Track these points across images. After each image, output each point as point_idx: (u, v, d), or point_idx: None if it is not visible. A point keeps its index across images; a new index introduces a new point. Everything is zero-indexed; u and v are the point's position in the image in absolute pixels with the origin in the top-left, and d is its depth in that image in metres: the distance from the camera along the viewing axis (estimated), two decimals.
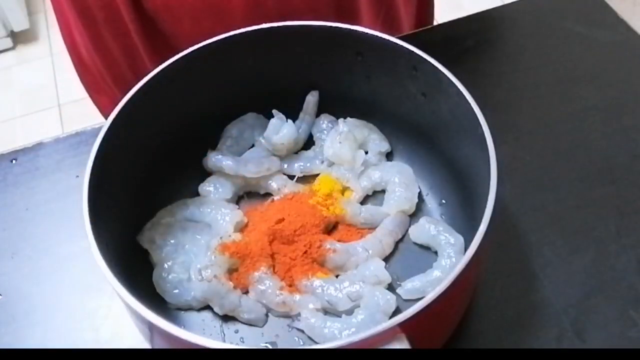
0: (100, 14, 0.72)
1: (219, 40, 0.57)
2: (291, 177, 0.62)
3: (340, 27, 0.57)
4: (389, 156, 0.64)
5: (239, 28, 0.58)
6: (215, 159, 0.60)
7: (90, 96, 0.88)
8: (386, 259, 0.57)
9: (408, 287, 0.54)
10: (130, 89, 0.54)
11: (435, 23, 0.89)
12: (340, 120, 0.63)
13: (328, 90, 0.64)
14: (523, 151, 0.65)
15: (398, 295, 0.53)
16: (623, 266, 0.56)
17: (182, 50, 0.56)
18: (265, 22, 0.58)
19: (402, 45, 0.55)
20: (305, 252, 0.55)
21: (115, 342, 0.55)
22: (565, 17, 0.77)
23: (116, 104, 0.53)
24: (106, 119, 0.52)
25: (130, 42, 0.74)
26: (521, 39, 0.77)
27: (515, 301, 0.55)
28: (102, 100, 0.87)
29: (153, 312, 0.41)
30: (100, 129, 0.51)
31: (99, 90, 0.85)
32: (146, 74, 0.55)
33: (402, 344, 0.40)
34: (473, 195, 0.52)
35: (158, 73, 0.55)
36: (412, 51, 0.54)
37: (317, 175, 0.62)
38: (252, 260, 0.55)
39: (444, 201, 0.60)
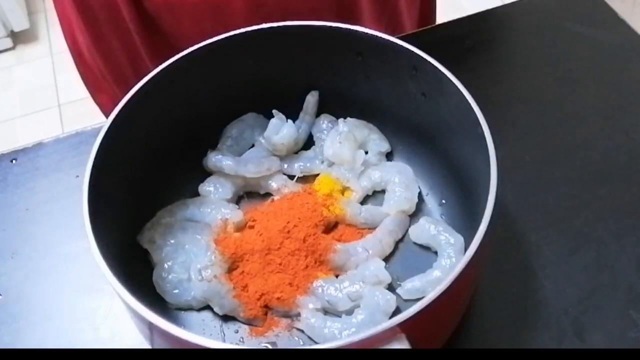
0: (102, 14, 0.72)
1: (219, 40, 0.57)
2: (291, 177, 0.62)
3: (340, 27, 0.57)
4: (389, 156, 0.64)
5: (240, 28, 0.58)
6: (215, 159, 0.61)
7: (92, 95, 0.89)
8: (386, 259, 0.57)
9: (408, 287, 0.54)
10: (131, 88, 0.54)
11: (435, 23, 0.89)
12: (340, 120, 0.63)
13: (328, 90, 0.64)
14: (523, 151, 0.65)
15: (398, 295, 0.53)
16: (623, 266, 0.56)
17: (183, 50, 0.56)
18: (266, 23, 0.58)
19: (402, 45, 0.55)
20: (306, 252, 0.55)
21: (115, 342, 0.55)
22: (565, 17, 0.77)
23: (117, 104, 0.53)
24: (107, 118, 0.52)
25: (131, 42, 0.74)
26: (521, 39, 0.77)
27: (515, 301, 0.55)
28: (103, 99, 0.87)
29: (153, 312, 0.41)
30: (100, 129, 0.51)
31: (100, 89, 0.85)
32: (147, 74, 0.55)
33: (402, 344, 0.40)
34: (473, 195, 0.52)
35: (158, 73, 0.55)
36: (412, 51, 0.54)
37: (317, 175, 0.62)
38: (252, 260, 0.55)
39: (444, 201, 0.60)
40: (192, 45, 0.56)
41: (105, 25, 0.73)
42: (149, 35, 0.73)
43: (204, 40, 0.57)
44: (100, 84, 0.84)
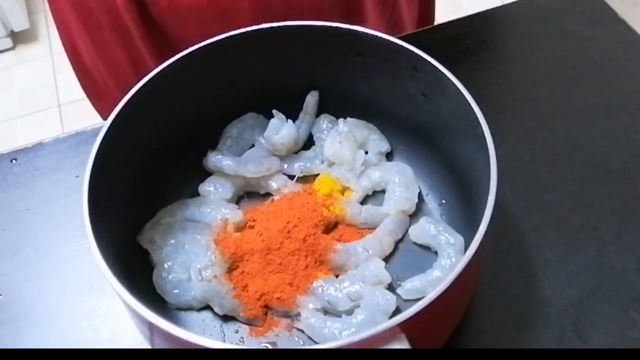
0: (104, 19, 0.71)
1: (219, 40, 0.57)
2: (291, 177, 0.62)
3: (340, 27, 0.57)
4: (389, 156, 0.64)
5: None
6: (215, 159, 0.61)
7: (91, 101, 0.88)
8: (386, 259, 0.57)
9: (408, 287, 0.54)
10: None
11: (435, 23, 0.89)
12: (340, 120, 0.63)
13: (328, 90, 0.64)
14: (523, 151, 0.65)
15: (398, 295, 0.53)
16: (623, 266, 0.56)
17: None
18: None
19: (402, 45, 0.55)
20: (306, 252, 0.55)
21: (115, 342, 0.55)
22: (565, 17, 0.77)
23: None
24: None
25: (134, 48, 0.74)
26: (521, 39, 0.77)
27: (515, 301, 0.55)
28: (103, 105, 0.86)
29: (153, 312, 0.41)
30: (100, 129, 0.51)
31: (101, 95, 0.84)
32: None
33: (402, 344, 0.40)
34: (473, 195, 0.52)
35: (158, 73, 0.55)
36: (412, 51, 0.54)
37: (317, 175, 0.62)
38: (252, 260, 0.55)
39: (444, 201, 0.60)
40: None
41: (107, 31, 0.73)
42: (153, 40, 0.72)
43: None
44: (101, 90, 0.83)
